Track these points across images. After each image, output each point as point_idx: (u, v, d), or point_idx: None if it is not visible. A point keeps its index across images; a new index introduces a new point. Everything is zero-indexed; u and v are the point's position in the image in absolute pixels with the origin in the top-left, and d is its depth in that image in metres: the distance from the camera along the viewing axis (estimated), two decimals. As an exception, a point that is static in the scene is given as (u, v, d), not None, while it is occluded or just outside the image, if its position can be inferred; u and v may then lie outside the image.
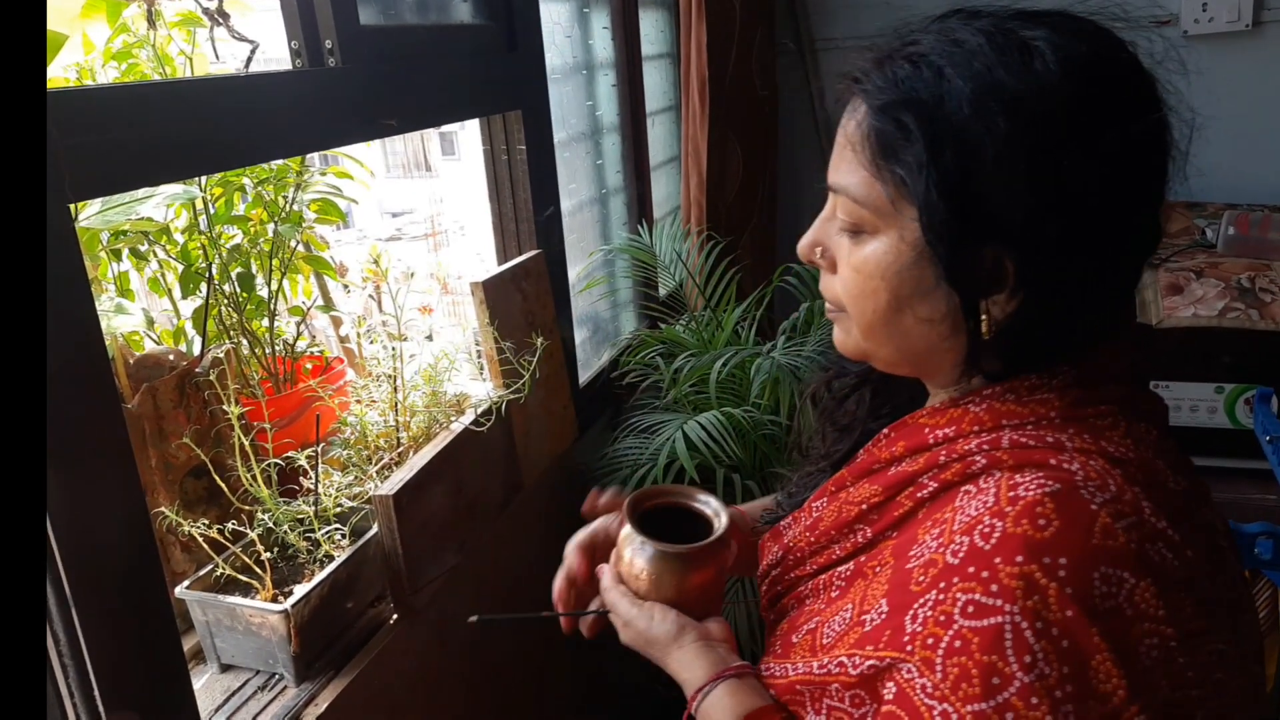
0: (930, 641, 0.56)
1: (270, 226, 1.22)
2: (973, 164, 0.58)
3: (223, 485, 1.06)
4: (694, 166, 2.24)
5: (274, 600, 1.00)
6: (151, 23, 0.99)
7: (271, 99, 0.94)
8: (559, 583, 0.87)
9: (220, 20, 1.00)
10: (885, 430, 0.73)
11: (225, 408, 1.04)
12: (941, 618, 0.56)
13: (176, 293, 1.18)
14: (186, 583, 1.01)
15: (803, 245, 0.72)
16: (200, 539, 1.00)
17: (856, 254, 0.66)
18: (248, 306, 1.23)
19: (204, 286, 1.16)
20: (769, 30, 2.57)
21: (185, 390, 1.07)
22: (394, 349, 1.25)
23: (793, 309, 1.93)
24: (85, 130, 0.74)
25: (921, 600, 0.58)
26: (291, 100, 0.97)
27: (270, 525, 1.06)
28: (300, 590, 1.00)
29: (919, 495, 0.66)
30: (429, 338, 1.53)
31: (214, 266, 1.16)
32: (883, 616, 0.62)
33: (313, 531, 1.08)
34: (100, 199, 1.00)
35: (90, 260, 1.07)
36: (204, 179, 1.14)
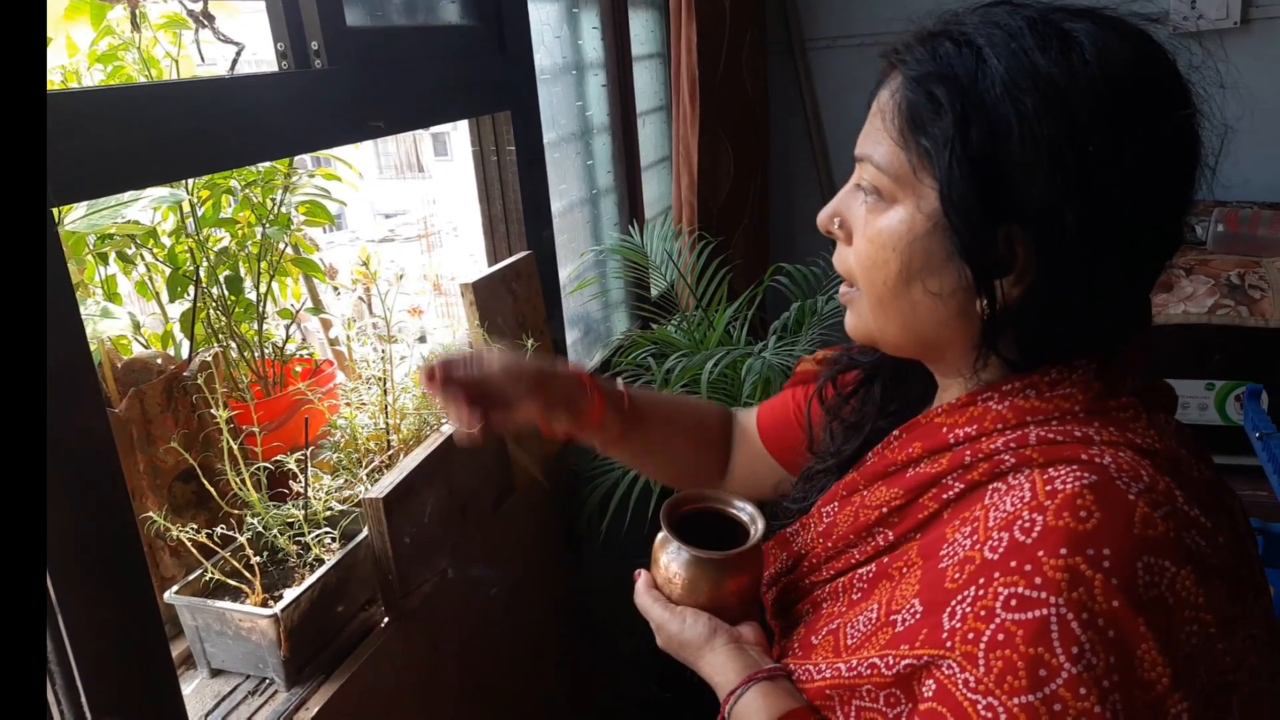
0: (971, 636, 0.56)
1: (258, 229, 1.22)
2: (999, 142, 0.58)
3: (211, 489, 1.05)
4: (685, 166, 2.24)
5: (264, 604, 1.00)
6: (136, 25, 0.98)
7: (258, 101, 0.94)
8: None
9: (205, 22, 0.99)
10: (896, 431, 0.73)
11: (214, 411, 1.04)
12: (982, 612, 0.56)
13: (164, 296, 1.18)
14: (175, 588, 1.00)
15: (822, 215, 0.72)
16: (189, 544, 1.00)
17: (872, 225, 0.66)
18: (236, 309, 1.23)
19: (192, 290, 1.16)
20: (759, 30, 2.57)
21: (173, 394, 1.06)
22: (384, 351, 1.25)
23: (784, 309, 1.93)
24: (70, 133, 0.73)
25: (960, 597, 0.58)
26: (278, 102, 0.96)
27: (260, 529, 1.06)
28: (290, 594, 0.99)
29: (944, 496, 0.65)
30: (421, 339, 1.53)
31: (202, 269, 1.16)
32: (917, 616, 0.61)
33: (302, 535, 1.08)
34: (85, 202, 1.00)
35: (77, 264, 1.07)
36: (191, 181, 1.14)
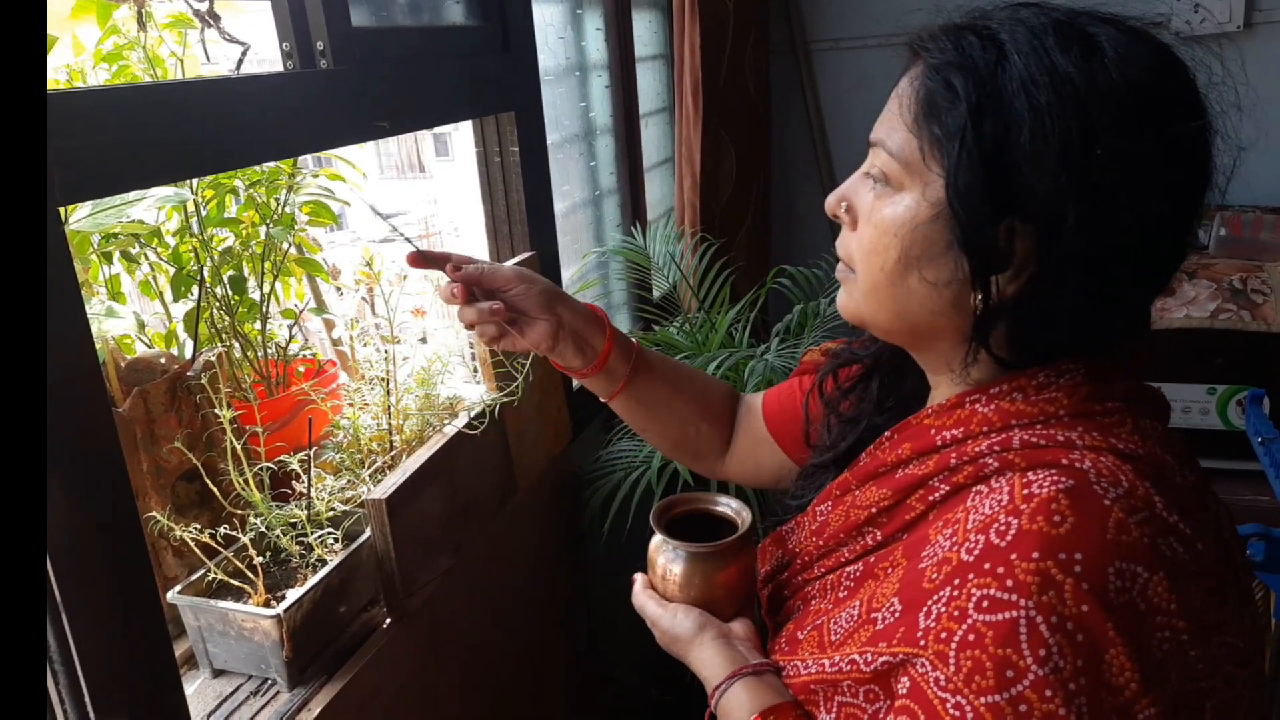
0: (944, 636, 0.57)
1: (262, 229, 1.22)
2: (1010, 135, 0.59)
3: (215, 489, 1.05)
4: (687, 168, 2.24)
5: (266, 605, 1.00)
6: (142, 24, 0.98)
7: (263, 101, 0.94)
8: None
9: (211, 22, 0.99)
10: (888, 433, 0.74)
11: (217, 411, 1.04)
12: (955, 612, 0.57)
13: (168, 296, 1.18)
14: (178, 588, 1.00)
15: (830, 199, 0.72)
16: (192, 543, 1.00)
17: (878, 211, 0.67)
18: (240, 309, 1.23)
19: (196, 289, 1.16)
20: (762, 32, 2.57)
21: (177, 394, 1.06)
22: (387, 351, 1.25)
23: (786, 311, 1.93)
24: (76, 132, 0.73)
25: (935, 597, 0.59)
26: (283, 102, 0.96)
27: (262, 529, 1.06)
28: (293, 595, 0.99)
29: (930, 498, 0.66)
30: (423, 340, 1.53)
31: (206, 269, 1.16)
32: (896, 614, 0.62)
33: (305, 535, 1.08)
34: (90, 201, 0.99)
35: (81, 263, 1.07)
36: (195, 181, 1.13)
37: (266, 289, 1.24)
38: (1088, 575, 0.54)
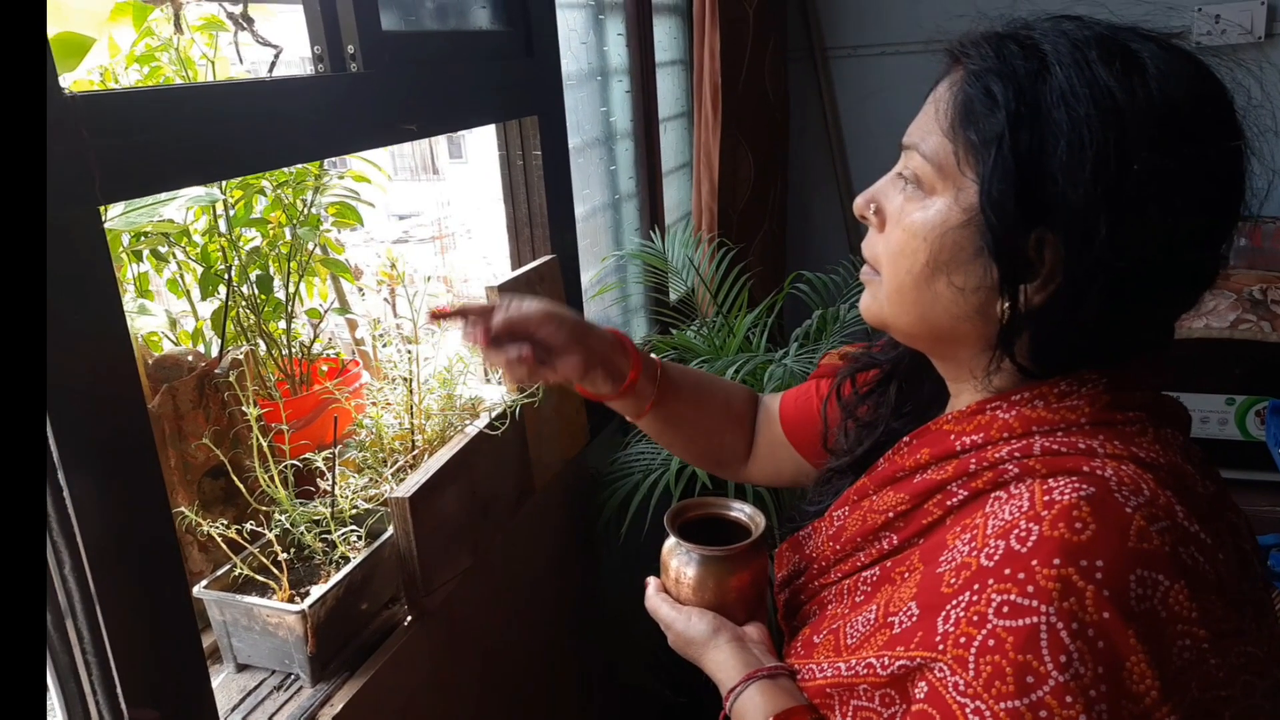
0: (963, 640, 0.57)
1: (288, 229, 1.23)
2: (1046, 145, 0.59)
3: (240, 486, 1.07)
4: (706, 173, 2.24)
5: (291, 601, 1.01)
6: (179, 27, 1.00)
7: (297, 103, 0.95)
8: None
9: (244, 25, 1.01)
10: (907, 438, 0.74)
11: (243, 409, 1.05)
12: (975, 618, 0.57)
13: (195, 294, 1.19)
14: (204, 582, 1.02)
15: (859, 200, 0.72)
16: (218, 539, 1.01)
17: (908, 213, 0.67)
18: (265, 308, 1.24)
19: (223, 288, 1.17)
20: (781, 38, 2.58)
21: (204, 391, 1.07)
22: (409, 352, 1.26)
23: (803, 316, 1.93)
24: (116, 133, 0.74)
25: (954, 601, 0.59)
26: (315, 105, 0.97)
27: (287, 526, 1.07)
28: (317, 591, 1.00)
29: (948, 503, 0.66)
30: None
31: (233, 268, 1.17)
32: (913, 619, 0.62)
33: (329, 533, 1.09)
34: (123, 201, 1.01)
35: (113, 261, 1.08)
36: (224, 181, 1.15)
37: (292, 289, 1.25)
38: (1109, 582, 0.54)
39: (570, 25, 1.82)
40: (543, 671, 1.57)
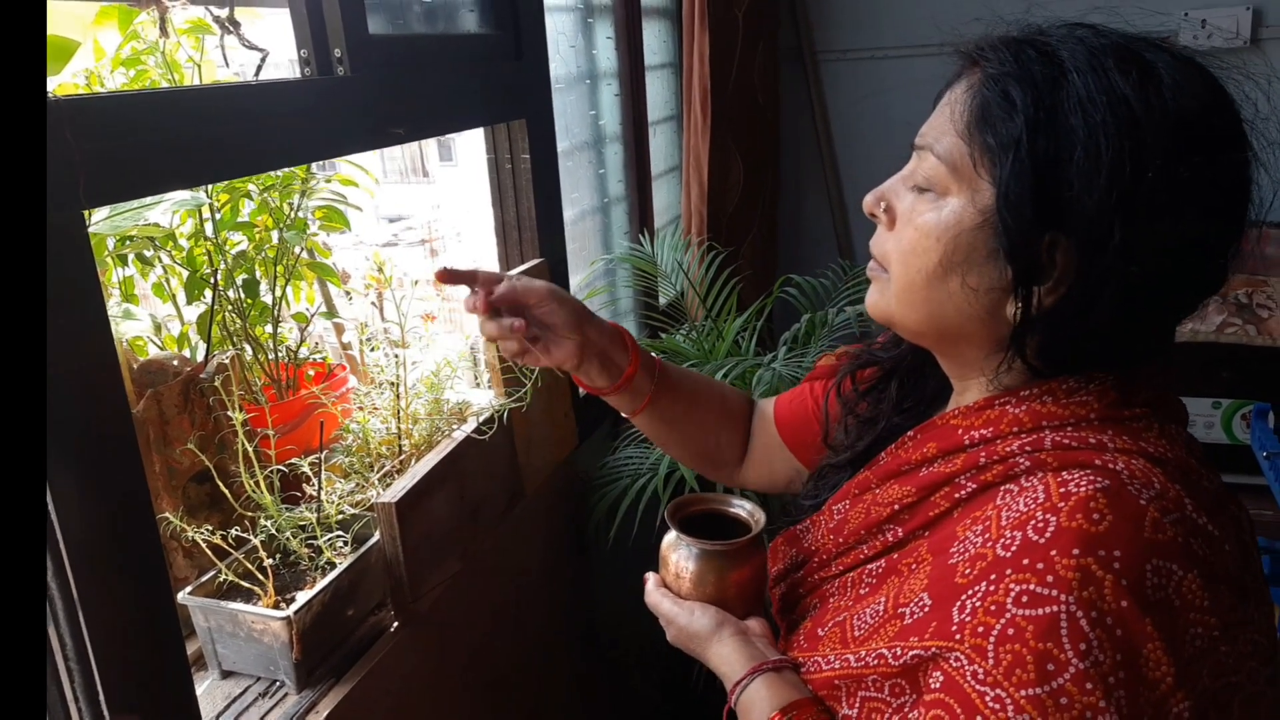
0: (981, 630, 0.58)
1: (275, 233, 1.23)
2: (1064, 152, 0.60)
3: (226, 491, 1.06)
4: (695, 176, 2.25)
5: (276, 607, 1.00)
6: (165, 30, 0.99)
7: (284, 107, 0.94)
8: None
9: (231, 28, 1.00)
10: (911, 432, 0.75)
11: (229, 414, 1.04)
12: (993, 607, 0.58)
13: (181, 298, 1.18)
14: (189, 588, 1.01)
15: (869, 198, 0.73)
16: (203, 544, 1.00)
17: (920, 212, 0.68)
18: (252, 313, 1.24)
19: (209, 292, 1.16)
20: (771, 41, 2.59)
21: (189, 396, 1.07)
22: (397, 356, 1.26)
23: (793, 320, 1.94)
24: (102, 136, 0.74)
25: (970, 591, 0.60)
26: (302, 108, 0.97)
27: (273, 532, 1.06)
28: (302, 597, 1.00)
29: (956, 496, 0.67)
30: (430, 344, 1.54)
31: (219, 273, 1.16)
32: (925, 609, 0.63)
33: (315, 538, 1.08)
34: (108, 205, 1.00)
35: (98, 265, 1.08)
36: (210, 185, 1.14)
37: (278, 293, 1.25)
38: (1126, 572, 0.55)
39: (559, 28, 1.81)
40: (532, 675, 1.57)
